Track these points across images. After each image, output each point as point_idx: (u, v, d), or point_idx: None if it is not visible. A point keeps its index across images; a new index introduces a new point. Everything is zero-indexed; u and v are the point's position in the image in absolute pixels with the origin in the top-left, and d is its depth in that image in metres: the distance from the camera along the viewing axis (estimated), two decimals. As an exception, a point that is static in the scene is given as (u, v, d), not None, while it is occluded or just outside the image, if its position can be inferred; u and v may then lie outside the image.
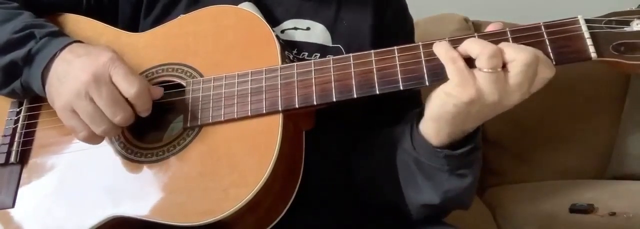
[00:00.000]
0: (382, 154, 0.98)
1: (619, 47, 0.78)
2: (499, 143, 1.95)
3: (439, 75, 0.83)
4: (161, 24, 1.02)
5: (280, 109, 0.87)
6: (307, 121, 0.94)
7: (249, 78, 0.90)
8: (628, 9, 0.80)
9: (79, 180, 0.93)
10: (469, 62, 0.80)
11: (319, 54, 1.04)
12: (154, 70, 0.96)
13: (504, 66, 0.79)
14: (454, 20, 1.99)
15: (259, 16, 0.97)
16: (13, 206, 0.94)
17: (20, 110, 1.00)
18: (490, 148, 1.93)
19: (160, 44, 0.99)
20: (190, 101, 0.92)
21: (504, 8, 2.10)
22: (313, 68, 0.88)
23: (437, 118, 0.85)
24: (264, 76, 0.90)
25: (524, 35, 0.82)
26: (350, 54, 0.88)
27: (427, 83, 0.83)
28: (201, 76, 0.93)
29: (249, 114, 0.88)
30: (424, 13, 1.89)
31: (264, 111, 0.88)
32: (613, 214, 1.60)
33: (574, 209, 1.63)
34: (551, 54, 0.81)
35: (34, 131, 0.98)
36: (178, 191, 0.88)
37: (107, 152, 0.93)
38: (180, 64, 0.96)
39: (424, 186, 0.93)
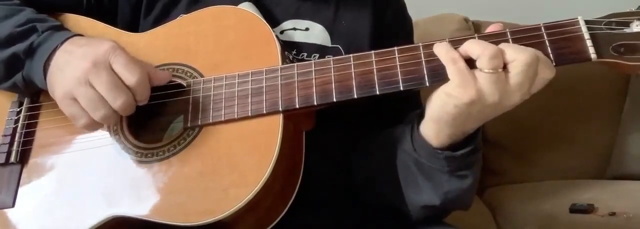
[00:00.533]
0: (382, 155, 0.98)
1: (618, 48, 0.78)
2: (499, 143, 1.95)
3: (439, 76, 0.83)
4: (161, 24, 1.02)
5: (280, 109, 0.87)
6: (307, 121, 0.94)
7: (250, 78, 0.90)
8: (628, 10, 0.80)
9: (79, 180, 0.93)
10: (470, 63, 0.80)
11: (318, 55, 1.04)
12: (154, 70, 0.96)
13: (505, 67, 0.79)
14: (454, 20, 1.99)
15: (259, 16, 0.97)
16: (13, 205, 0.94)
17: (21, 110, 1.00)
18: (490, 148, 1.93)
19: (161, 44, 0.99)
20: (190, 101, 0.92)
21: (504, 8, 2.10)
22: (313, 68, 0.88)
23: (437, 119, 0.85)
24: (264, 76, 0.90)
25: (524, 36, 0.82)
26: (351, 55, 0.88)
27: (427, 84, 0.83)
28: (201, 76, 0.94)
29: (250, 114, 0.88)
30: (424, 13, 1.89)
31: (265, 112, 0.88)
32: (613, 214, 1.60)
33: (574, 209, 1.63)
34: (551, 55, 0.81)
35: (34, 131, 0.98)
36: (178, 191, 0.88)
37: (107, 152, 0.93)
38: (180, 64, 0.96)
39: (424, 187, 0.93)
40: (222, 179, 0.86)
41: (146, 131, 0.97)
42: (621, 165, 1.95)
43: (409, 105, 1.08)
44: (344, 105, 0.88)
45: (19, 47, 0.93)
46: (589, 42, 0.79)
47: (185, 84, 0.93)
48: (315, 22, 1.06)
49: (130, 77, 0.86)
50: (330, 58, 0.89)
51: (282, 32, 1.05)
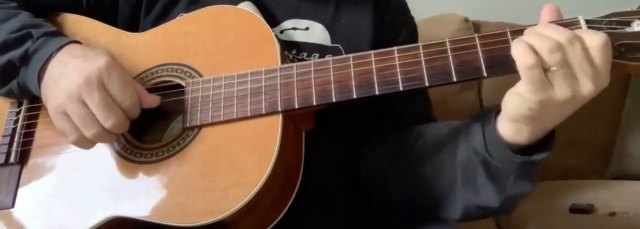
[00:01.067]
0: (428, 150, 0.97)
1: (619, 48, 0.77)
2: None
3: (438, 76, 0.83)
4: (161, 24, 1.01)
5: (279, 109, 0.87)
6: (307, 121, 0.94)
7: (249, 78, 0.90)
8: (629, 10, 0.80)
9: (79, 180, 0.93)
10: None
11: (318, 54, 1.03)
12: (153, 70, 0.96)
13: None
14: (454, 20, 1.99)
15: (258, 16, 0.97)
16: (13, 206, 0.94)
17: (20, 110, 1.00)
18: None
19: (160, 44, 0.99)
20: (189, 101, 0.92)
21: (504, 8, 2.10)
22: (313, 68, 0.88)
23: (514, 119, 0.82)
24: (263, 76, 0.90)
25: (525, 36, 0.82)
26: (350, 55, 0.88)
27: (426, 84, 0.83)
28: (200, 76, 0.93)
29: (249, 114, 0.88)
30: (424, 13, 1.88)
31: (264, 112, 0.88)
32: (613, 214, 1.60)
33: (574, 209, 1.63)
34: None
35: (34, 131, 0.98)
36: (178, 191, 0.88)
37: (106, 153, 0.93)
38: (179, 64, 0.95)
39: (484, 187, 0.90)
40: (221, 179, 0.86)
41: (145, 131, 0.97)
42: (621, 165, 1.95)
43: (415, 103, 1.08)
44: (344, 105, 0.88)
45: (14, 54, 0.93)
46: (590, 42, 0.79)
47: (184, 84, 0.93)
48: (315, 21, 1.06)
49: (123, 98, 0.87)
50: (329, 58, 0.89)
51: (282, 31, 1.05)
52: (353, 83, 0.86)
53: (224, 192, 0.85)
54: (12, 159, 0.96)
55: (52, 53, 0.91)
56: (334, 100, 0.86)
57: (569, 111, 0.81)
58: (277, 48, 0.92)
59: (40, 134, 0.98)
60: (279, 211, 0.88)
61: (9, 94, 0.98)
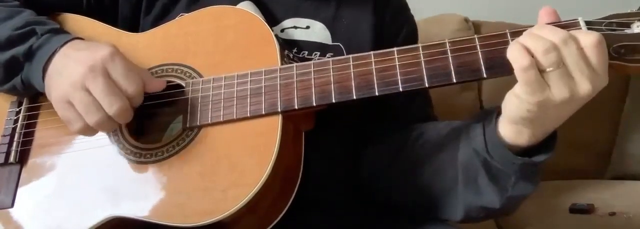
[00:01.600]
0: (430, 150, 0.97)
1: (619, 50, 0.77)
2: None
3: (438, 77, 0.82)
4: (161, 24, 1.01)
5: (279, 110, 0.87)
6: (306, 121, 0.94)
7: (248, 79, 0.90)
8: (629, 11, 0.80)
9: (79, 180, 0.93)
10: None
11: (319, 53, 1.03)
12: (153, 70, 0.96)
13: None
14: (454, 20, 1.99)
15: (258, 16, 0.97)
16: (12, 206, 0.94)
17: (20, 110, 1.00)
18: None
19: (160, 44, 0.99)
20: (189, 101, 0.92)
21: (504, 8, 2.10)
22: (312, 69, 0.88)
23: (514, 121, 0.82)
24: (263, 77, 0.90)
25: (525, 37, 0.82)
26: (350, 55, 0.88)
27: (426, 85, 0.83)
28: (200, 76, 0.93)
29: (248, 115, 0.88)
30: (424, 13, 1.88)
31: (263, 112, 0.88)
32: (613, 214, 1.60)
33: (574, 209, 1.63)
34: None
35: (34, 131, 0.98)
36: (177, 191, 0.88)
37: (106, 153, 0.93)
38: (179, 64, 0.95)
39: (486, 188, 0.90)
40: (221, 179, 0.86)
41: (145, 131, 0.97)
42: (621, 165, 1.95)
43: (416, 103, 1.08)
44: (344, 105, 0.88)
45: (18, 50, 0.93)
46: (590, 44, 0.79)
47: (184, 85, 0.93)
48: (316, 20, 1.06)
49: (128, 85, 0.86)
50: (329, 59, 0.89)
51: (282, 30, 1.05)
52: (353, 84, 0.86)
53: (224, 192, 0.85)
54: (11, 159, 0.96)
55: (57, 49, 0.91)
56: (333, 101, 0.86)
57: (568, 112, 0.81)
58: (277, 48, 0.92)
59: (40, 133, 0.98)
60: (279, 211, 0.88)
61: (12, 91, 0.98)
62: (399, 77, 0.84)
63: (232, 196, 0.84)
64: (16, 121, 0.99)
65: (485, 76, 0.81)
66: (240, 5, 1.02)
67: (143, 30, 1.03)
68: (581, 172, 1.97)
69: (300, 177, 0.90)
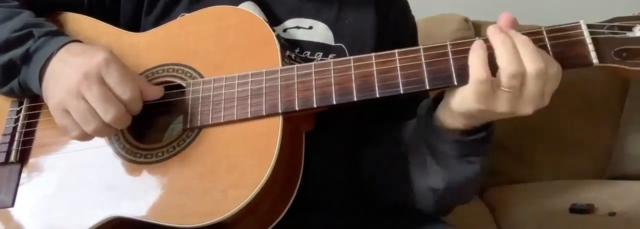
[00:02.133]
0: (395, 147, 0.99)
1: (621, 53, 0.77)
2: (499, 143, 1.94)
3: (439, 79, 0.82)
4: (163, 23, 1.01)
5: (280, 111, 0.87)
6: (307, 122, 0.94)
7: (249, 79, 0.90)
8: (631, 15, 0.80)
9: (79, 180, 0.93)
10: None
11: (321, 53, 1.03)
12: (154, 70, 0.96)
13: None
14: (454, 20, 1.99)
15: (260, 17, 0.97)
16: (12, 205, 0.94)
17: (21, 109, 1.00)
18: (490, 148, 1.93)
19: (161, 44, 0.99)
20: (190, 102, 0.92)
21: (504, 8, 2.08)
22: (313, 70, 0.88)
23: (452, 110, 0.85)
24: (264, 78, 0.89)
25: (526, 40, 0.82)
26: (351, 57, 0.88)
27: (427, 87, 0.83)
28: (201, 76, 0.93)
29: (249, 116, 0.88)
30: (424, 13, 1.88)
31: (264, 113, 0.88)
32: (613, 214, 1.60)
33: (574, 209, 1.63)
34: None
35: (34, 130, 0.98)
36: (177, 192, 0.88)
37: (106, 153, 0.93)
38: (180, 64, 0.95)
39: (431, 169, 0.94)
40: (221, 180, 0.86)
41: (146, 131, 0.97)
42: (621, 165, 1.95)
43: (416, 103, 1.08)
44: (344, 107, 0.88)
45: (15, 53, 0.93)
46: (590, 47, 0.79)
47: (184, 85, 0.93)
48: (319, 20, 1.06)
49: (123, 91, 0.86)
50: (330, 60, 0.89)
51: (285, 30, 1.05)
52: (354, 85, 0.86)
53: (224, 193, 0.85)
54: (12, 158, 0.96)
55: (53, 52, 0.91)
56: (334, 102, 0.86)
57: (506, 117, 0.84)
58: (278, 49, 0.91)
59: (41, 133, 0.98)
60: (279, 212, 0.88)
61: (10, 93, 0.98)
62: (400, 80, 0.84)
63: (232, 197, 0.84)
64: (17, 121, 0.99)
65: (485, 77, 0.81)
66: (242, 6, 1.02)
67: (144, 30, 1.03)
68: (581, 172, 1.97)
69: (300, 178, 0.90)
